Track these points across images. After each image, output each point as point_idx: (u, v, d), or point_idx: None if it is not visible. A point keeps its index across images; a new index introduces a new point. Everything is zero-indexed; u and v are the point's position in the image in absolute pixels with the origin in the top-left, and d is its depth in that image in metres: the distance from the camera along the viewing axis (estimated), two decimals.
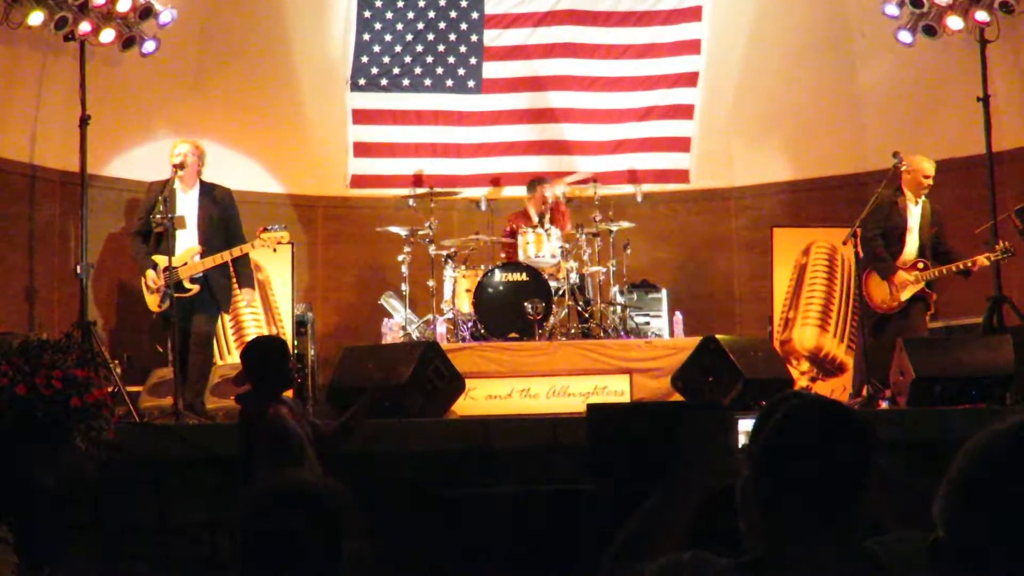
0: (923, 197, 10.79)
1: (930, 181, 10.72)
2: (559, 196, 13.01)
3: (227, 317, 11.55)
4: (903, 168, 10.65)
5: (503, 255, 12.82)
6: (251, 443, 6.61)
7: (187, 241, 10.10)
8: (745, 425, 5.84)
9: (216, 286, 10.20)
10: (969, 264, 10.51)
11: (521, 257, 12.09)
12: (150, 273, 10.00)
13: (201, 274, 10.08)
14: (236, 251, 10.21)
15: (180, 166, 10.03)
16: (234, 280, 10.37)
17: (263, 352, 6.96)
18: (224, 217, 10.32)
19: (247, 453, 6.63)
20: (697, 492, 2.95)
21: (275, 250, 10.35)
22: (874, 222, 10.58)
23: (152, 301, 10.09)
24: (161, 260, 9.89)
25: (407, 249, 12.36)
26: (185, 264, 9.99)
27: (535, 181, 13.08)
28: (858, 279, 10.78)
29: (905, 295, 10.58)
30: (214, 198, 10.33)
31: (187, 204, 10.21)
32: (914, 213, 10.77)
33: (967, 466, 1.74)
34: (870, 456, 2.56)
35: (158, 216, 9.65)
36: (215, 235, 10.23)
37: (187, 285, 9.99)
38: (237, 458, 6.76)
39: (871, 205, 10.54)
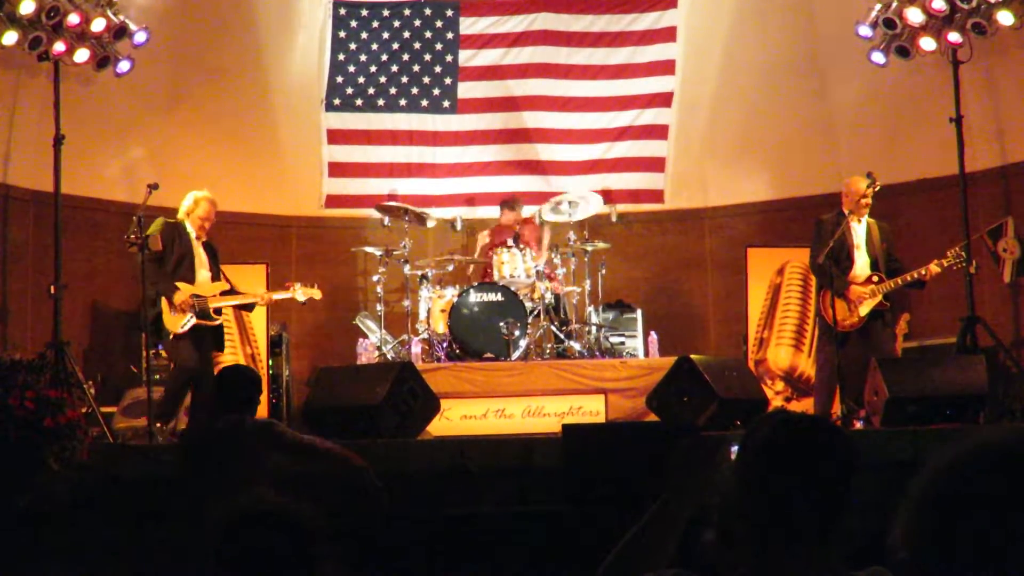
0: (866, 215, 10.76)
1: (868, 199, 10.65)
2: (527, 219, 13.09)
3: None
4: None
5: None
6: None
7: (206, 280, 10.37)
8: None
9: (223, 327, 10.51)
10: (922, 273, 10.47)
11: (496, 276, 12.10)
12: (188, 289, 10.06)
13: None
14: (270, 296, 10.81)
15: (207, 228, 10.40)
16: None
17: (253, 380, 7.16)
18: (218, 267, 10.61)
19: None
20: (689, 510, 2.92)
21: (304, 302, 10.86)
22: (819, 248, 10.53)
23: (176, 321, 10.01)
24: (185, 287, 10.04)
25: (382, 269, 12.35)
26: (215, 296, 10.21)
27: (503, 202, 13.16)
28: (816, 300, 10.89)
29: (864, 310, 10.53)
30: (212, 249, 10.50)
31: (199, 254, 10.35)
32: (858, 231, 10.73)
33: (933, 486, 1.72)
34: (854, 473, 2.55)
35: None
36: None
37: (212, 315, 10.16)
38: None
39: (813, 234, 10.67)
